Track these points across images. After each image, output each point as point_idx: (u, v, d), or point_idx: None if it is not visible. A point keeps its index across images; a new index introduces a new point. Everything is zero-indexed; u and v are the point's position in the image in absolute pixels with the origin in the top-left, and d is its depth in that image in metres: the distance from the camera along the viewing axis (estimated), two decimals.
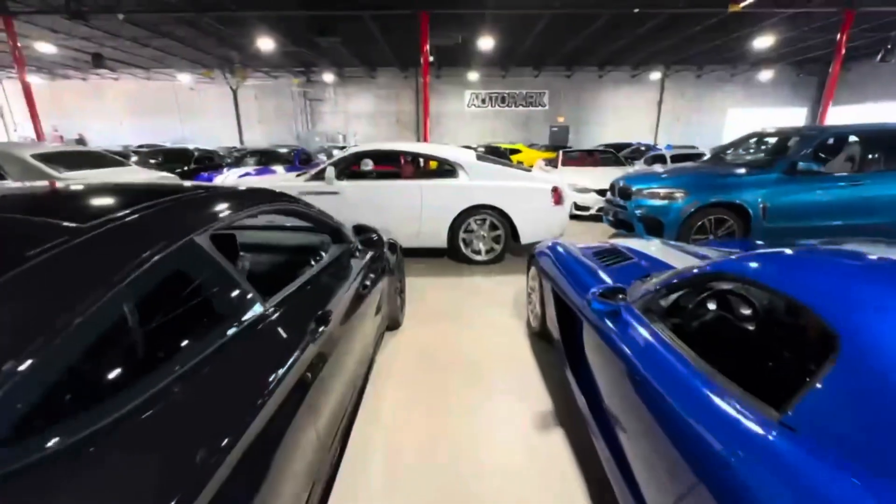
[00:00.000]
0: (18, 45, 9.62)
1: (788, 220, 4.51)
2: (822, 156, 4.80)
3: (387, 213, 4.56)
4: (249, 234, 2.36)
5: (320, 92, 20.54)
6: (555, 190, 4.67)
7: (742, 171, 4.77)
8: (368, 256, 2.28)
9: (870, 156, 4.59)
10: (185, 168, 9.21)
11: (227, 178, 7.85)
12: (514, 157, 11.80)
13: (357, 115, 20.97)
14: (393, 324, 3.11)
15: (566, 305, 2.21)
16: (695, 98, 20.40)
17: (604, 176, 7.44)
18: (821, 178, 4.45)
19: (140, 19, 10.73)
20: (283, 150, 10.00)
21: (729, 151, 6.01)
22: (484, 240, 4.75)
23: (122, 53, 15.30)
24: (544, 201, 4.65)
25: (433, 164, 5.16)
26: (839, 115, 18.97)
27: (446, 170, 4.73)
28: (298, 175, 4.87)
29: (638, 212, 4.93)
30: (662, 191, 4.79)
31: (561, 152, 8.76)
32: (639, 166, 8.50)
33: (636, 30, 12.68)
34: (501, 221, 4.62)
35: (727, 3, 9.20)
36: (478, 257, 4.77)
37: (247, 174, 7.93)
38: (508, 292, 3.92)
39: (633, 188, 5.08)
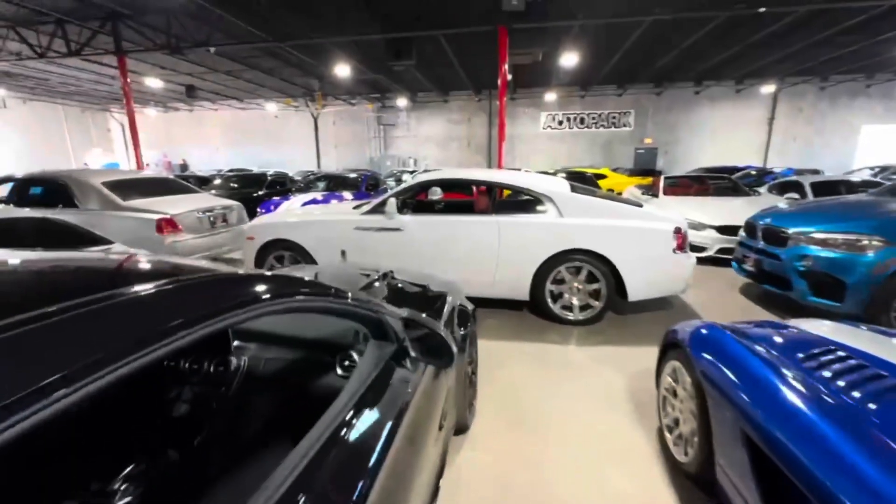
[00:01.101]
0: (128, 80, 10.50)
1: None
2: None
3: (456, 254, 3.71)
4: None
5: (393, 117, 20.81)
6: (678, 232, 3.50)
7: None
8: (427, 372, 1.38)
9: None
10: (259, 193, 9.29)
11: (293, 203, 7.61)
12: (602, 184, 10.49)
13: (428, 139, 20.89)
14: (459, 426, 2.18)
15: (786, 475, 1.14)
16: (816, 114, 17.42)
17: (721, 208, 6.02)
18: None
19: (229, 52, 11.34)
20: (353, 175, 9.75)
21: None
22: (578, 293, 3.68)
23: (218, 86, 16.62)
24: (663, 246, 3.49)
25: (515, 195, 4.24)
26: None
27: (532, 203, 3.77)
28: (357, 206, 4.21)
29: (801, 265, 3.55)
30: (842, 237, 3.38)
31: (662, 178, 7.38)
32: (766, 196, 6.83)
33: (751, 37, 10.91)
34: (603, 271, 3.53)
35: None
36: (569, 315, 3.69)
37: (313, 201, 7.65)
38: (616, 377, 2.81)
39: (791, 230, 3.71)
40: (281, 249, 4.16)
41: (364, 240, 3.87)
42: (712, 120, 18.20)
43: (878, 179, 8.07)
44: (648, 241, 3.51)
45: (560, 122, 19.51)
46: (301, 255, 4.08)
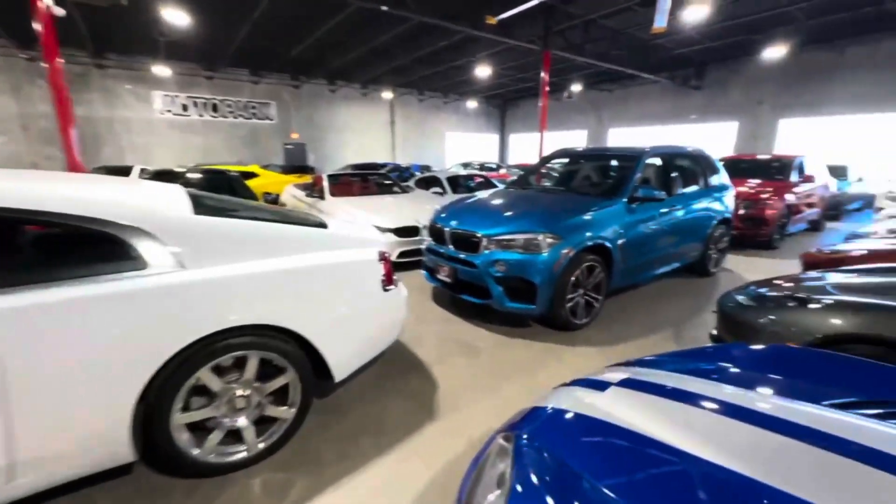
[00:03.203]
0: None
1: (634, 258, 3.83)
2: (649, 179, 4.43)
3: None
4: None
5: None
6: (384, 258, 2.39)
7: (588, 201, 3.81)
8: None
9: (674, 176, 4.49)
10: None
11: None
12: (253, 185, 8.50)
13: None
14: None
15: None
16: (420, 121, 21.79)
17: (390, 207, 5.64)
18: (654, 204, 3.95)
19: None
20: None
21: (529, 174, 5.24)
22: (247, 408, 1.94)
23: None
24: (370, 285, 2.30)
25: (59, 234, 1.89)
26: (519, 141, 24.10)
27: (106, 248, 1.64)
28: None
29: (496, 270, 3.25)
30: (522, 237, 3.26)
31: (326, 176, 6.39)
32: (419, 191, 7.14)
33: (372, 40, 11.65)
34: (288, 352, 1.95)
35: (480, 22, 9.13)
36: (234, 456, 1.91)
37: None
38: None
39: (480, 233, 3.37)
40: None
41: None
42: (350, 120, 19.45)
43: (476, 172, 10.32)
44: (350, 283, 2.22)
45: (185, 108, 15.57)
46: None
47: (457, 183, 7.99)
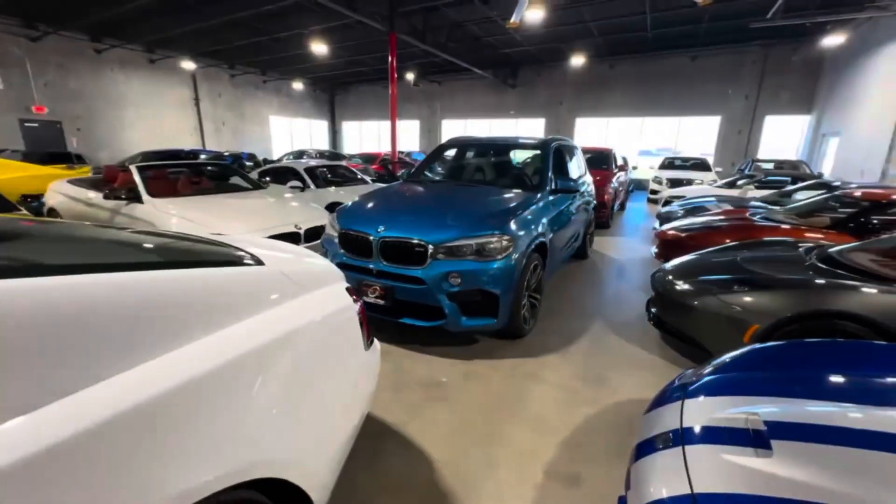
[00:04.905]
0: None
1: (557, 251, 3.77)
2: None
3: None
4: None
5: None
6: (355, 299, 1.55)
7: (518, 196, 3.52)
8: None
9: (569, 166, 4.59)
10: None
11: None
12: None
13: None
14: None
15: None
16: (234, 101, 18.39)
17: (250, 211, 4.35)
18: (565, 195, 3.95)
19: None
20: None
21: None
22: None
23: None
24: (350, 348, 1.45)
25: None
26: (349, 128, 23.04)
27: None
28: None
29: (451, 285, 2.63)
30: (475, 241, 2.73)
31: (134, 168, 4.43)
32: (279, 187, 5.73)
33: None
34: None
35: None
36: None
37: None
38: None
39: (425, 241, 2.69)
40: None
41: None
42: (132, 93, 14.88)
43: (337, 163, 9.06)
44: (329, 351, 1.33)
45: None
46: None
47: (314, 175, 6.78)
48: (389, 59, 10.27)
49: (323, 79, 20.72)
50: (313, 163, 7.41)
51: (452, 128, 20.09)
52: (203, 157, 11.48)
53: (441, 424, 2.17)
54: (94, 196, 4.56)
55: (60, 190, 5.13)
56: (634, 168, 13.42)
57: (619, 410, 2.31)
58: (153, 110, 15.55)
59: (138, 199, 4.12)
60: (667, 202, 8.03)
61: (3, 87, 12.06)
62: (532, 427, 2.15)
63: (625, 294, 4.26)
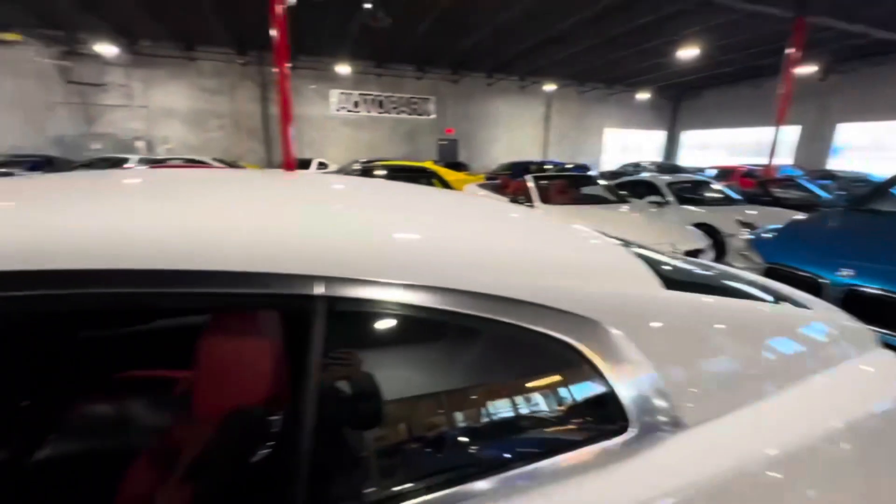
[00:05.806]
0: None
1: None
2: None
3: None
4: None
5: (96, 73, 13.39)
6: None
7: None
8: None
9: None
10: None
11: None
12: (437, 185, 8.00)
13: (169, 113, 14.51)
14: None
15: None
16: (578, 116, 19.90)
17: (636, 225, 4.36)
18: None
19: None
20: None
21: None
22: None
23: None
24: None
25: None
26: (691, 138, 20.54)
27: None
28: None
29: None
30: None
31: (530, 178, 5.39)
32: (637, 201, 5.69)
33: (541, 31, 10.44)
34: None
35: None
36: None
37: None
38: None
39: None
40: None
41: None
42: (502, 114, 18.61)
43: (702, 178, 8.18)
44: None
45: (356, 104, 16.49)
46: None
47: (672, 191, 6.24)
48: (787, 50, 8.25)
49: (669, 87, 19.31)
50: (668, 177, 6.90)
51: (853, 134, 14.51)
52: (549, 167, 12.97)
53: None
54: (500, 199, 5.84)
55: (474, 191, 6.89)
56: None
57: None
58: (513, 128, 18.89)
59: (531, 203, 4.95)
60: None
61: (434, 117, 17.56)
62: None
63: None
